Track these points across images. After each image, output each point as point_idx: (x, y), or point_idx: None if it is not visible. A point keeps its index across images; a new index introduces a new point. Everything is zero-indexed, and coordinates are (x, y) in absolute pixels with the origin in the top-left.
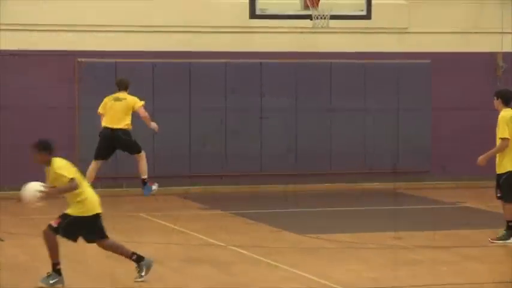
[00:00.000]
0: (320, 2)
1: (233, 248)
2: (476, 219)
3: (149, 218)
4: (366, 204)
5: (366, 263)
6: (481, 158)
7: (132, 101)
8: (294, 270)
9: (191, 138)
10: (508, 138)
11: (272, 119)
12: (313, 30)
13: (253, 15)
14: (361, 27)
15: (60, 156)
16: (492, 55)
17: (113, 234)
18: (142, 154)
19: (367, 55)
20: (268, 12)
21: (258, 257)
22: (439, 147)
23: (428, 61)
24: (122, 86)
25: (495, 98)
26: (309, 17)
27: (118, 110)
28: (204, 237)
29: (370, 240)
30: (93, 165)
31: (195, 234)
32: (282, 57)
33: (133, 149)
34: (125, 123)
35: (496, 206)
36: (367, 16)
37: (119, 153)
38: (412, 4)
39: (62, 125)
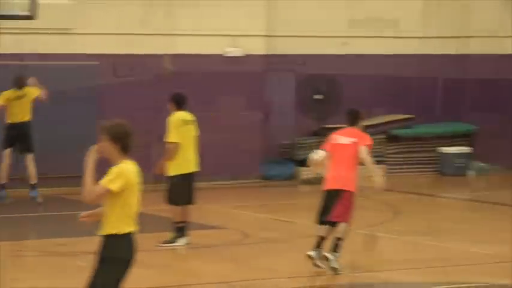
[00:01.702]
0: None
1: None
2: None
3: None
4: (23, 211)
5: (33, 272)
6: (157, 168)
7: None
8: None
9: None
10: (177, 142)
11: None
12: None
13: None
14: (28, 27)
15: None
16: (161, 57)
17: None
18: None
19: (29, 56)
20: None
21: None
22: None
23: (96, 63)
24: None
25: (169, 101)
26: None
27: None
28: None
29: (34, 247)
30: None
31: None
32: None
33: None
34: None
35: (161, 209)
36: (32, 16)
37: None
38: (77, 4)
39: None
